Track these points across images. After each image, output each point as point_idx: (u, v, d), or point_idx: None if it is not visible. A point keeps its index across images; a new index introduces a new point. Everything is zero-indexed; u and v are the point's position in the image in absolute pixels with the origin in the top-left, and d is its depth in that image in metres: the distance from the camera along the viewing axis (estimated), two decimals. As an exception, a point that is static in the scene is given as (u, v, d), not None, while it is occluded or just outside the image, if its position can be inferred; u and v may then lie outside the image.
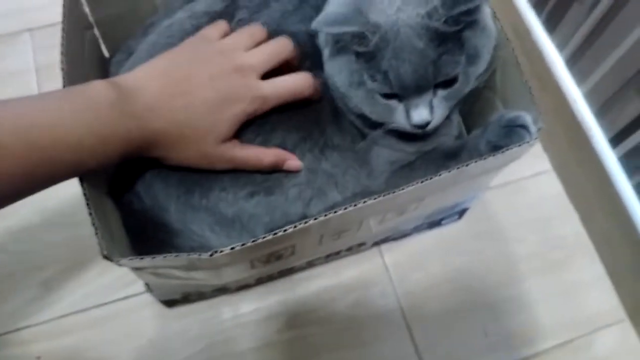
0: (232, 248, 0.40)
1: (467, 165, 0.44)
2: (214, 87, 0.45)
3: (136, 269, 0.43)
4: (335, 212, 0.42)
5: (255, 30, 0.50)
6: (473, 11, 0.46)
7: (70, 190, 0.51)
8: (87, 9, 0.52)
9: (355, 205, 0.42)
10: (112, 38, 0.56)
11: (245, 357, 0.59)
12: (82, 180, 0.41)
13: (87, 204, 0.41)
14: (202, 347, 0.59)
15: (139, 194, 0.48)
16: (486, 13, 0.48)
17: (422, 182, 0.43)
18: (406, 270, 0.64)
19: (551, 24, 0.66)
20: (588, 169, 0.64)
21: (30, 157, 0.37)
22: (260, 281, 0.58)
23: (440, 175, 0.43)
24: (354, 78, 0.48)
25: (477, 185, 0.54)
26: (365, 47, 0.46)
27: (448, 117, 0.54)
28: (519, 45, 0.69)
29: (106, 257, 0.39)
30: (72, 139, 0.39)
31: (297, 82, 0.48)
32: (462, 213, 0.64)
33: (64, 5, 0.47)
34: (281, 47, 0.49)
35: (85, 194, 0.41)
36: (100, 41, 0.56)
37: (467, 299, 0.63)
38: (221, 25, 0.51)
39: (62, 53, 0.45)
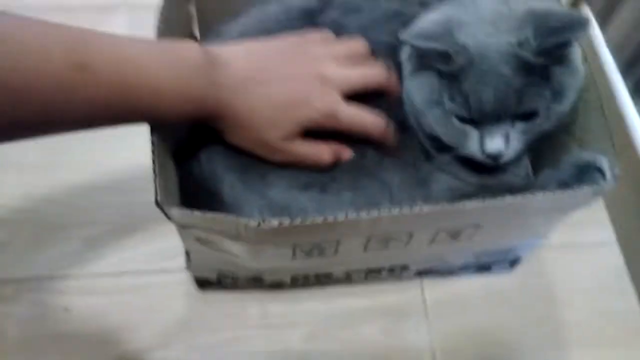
0: (280, 222, 0.40)
1: (534, 195, 0.42)
2: (291, 86, 0.46)
3: (183, 228, 0.43)
4: (387, 211, 0.41)
5: (358, 45, 0.51)
6: (564, 45, 0.45)
7: (133, 159, 0.53)
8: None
9: (410, 208, 0.41)
10: (205, 20, 0.59)
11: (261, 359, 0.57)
12: (152, 130, 0.43)
13: (152, 152, 0.42)
14: (223, 337, 0.58)
15: (200, 160, 0.49)
16: (576, 53, 0.48)
17: (483, 201, 0.42)
18: (445, 310, 0.61)
19: (637, 91, 0.64)
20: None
21: (115, 90, 0.39)
22: (295, 282, 0.57)
23: (504, 198, 0.42)
24: (432, 96, 0.48)
25: (537, 228, 0.52)
26: (449, 66, 0.46)
27: (518, 157, 0.52)
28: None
29: (159, 205, 0.39)
30: (156, 86, 0.41)
31: (374, 123, 0.49)
32: (514, 263, 0.61)
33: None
34: (375, 74, 0.50)
35: (152, 142, 0.42)
36: (195, 20, 0.59)
37: (503, 354, 0.60)
38: (327, 34, 0.52)
39: (160, 17, 0.47)
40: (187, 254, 0.50)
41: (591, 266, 0.65)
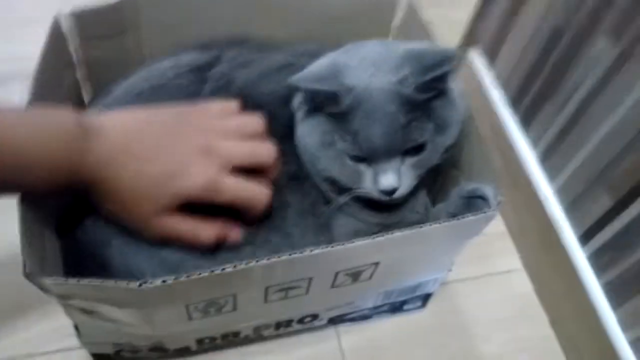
0: (163, 281, 0.38)
1: (421, 227, 0.43)
2: (168, 158, 0.44)
3: (63, 299, 0.40)
4: (279, 256, 0.40)
5: (252, 121, 0.48)
6: (441, 79, 0.47)
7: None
8: (71, 48, 0.54)
9: (301, 252, 0.40)
10: (96, 83, 0.58)
11: None
12: (21, 200, 0.40)
13: (20, 221, 0.39)
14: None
15: (86, 226, 0.47)
16: (454, 88, 0.50)
17: (374, 238, 0.42)
18: (363, 356, 0.60)
19: (525, 122, 0.67)
20: (558, 267, 0.62)
21: None
22: (202, 347, 0.54)
23: (392, 233, 0.42)
24: (324, 138, 0.49)
25: (436, 260, 0.52)
26: (338, 107, 0.47)
27: (414, 194, 0.54)
28: (495, 142, 0.71)
29: (28, 276, 0.37)
30: (23, 155, 0.39)
31: (256, 195, 0.46)
32: (425, 300, 0.61)
33: (47, 39, 0.49)
34: (264, 152, 0.47)
35: (20, 212, 0.40)
36: (82, 84, 0.58)
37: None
38: (223, 105, 0.49)
39: (34, 79, 0.45)
40: (76, 327, 0.46)
41: (502, 295, 0.66)
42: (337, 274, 0.46)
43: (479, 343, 0.62)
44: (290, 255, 0.40)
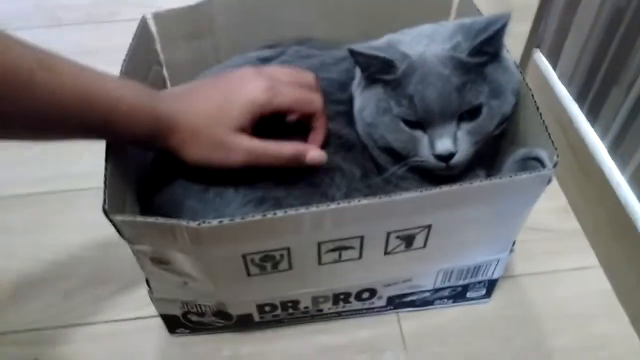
0: (220, 221, 0.41)
1: (471, 184, 0.43)
2: (231, 80, 0.49)
3: (134, 245, 0.45)
4: (328, 205, 0.42)
5: (303, 73, 0.52)
6: (492, 43, 0.49)
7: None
8: (158, 47, 0.61)
9: (349, 202, 0.42)
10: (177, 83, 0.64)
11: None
12: (107, 156, 0.45)
13: (106, 172, 0.44)
14: (196, 380, 0.56)
15: (162, 191, 0.51)
16: (508, 57, 0.52)
17: (420, 191, 0.43)
18: (424, 342, 0.59)
19: (592, 114, 0.66)
20: (635, 261, 0.59)
21: (74, 93, 0.41)
22: (263, 318, 0.56)
23: (441, 188, 0.43)
24: (380, 105, 0.52)
25: (494, 235, 0.51)
26: (393, 74, 0.50)
27: (473, 170, 0.54)
28: (564, 137, 0.69)
29: (105, 212, 0.41)
30: (111, 94, 0.43)
31: (312, 97, 0.50)
32: (490, 288, 0.59)
33: (135, 37, 0.56)
34: (312, 101, 0.51)
35: (107, 166, 0.44)
36: (168, 81, 0.64)
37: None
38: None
39: (121, 73, 0.51)
40: (148, 283, 0.50)
41: (575, 291, 0.63)
42: (388, 234, 0.47)
43: (549, 337, 0.59)
44: (339, 204, 0.42)
